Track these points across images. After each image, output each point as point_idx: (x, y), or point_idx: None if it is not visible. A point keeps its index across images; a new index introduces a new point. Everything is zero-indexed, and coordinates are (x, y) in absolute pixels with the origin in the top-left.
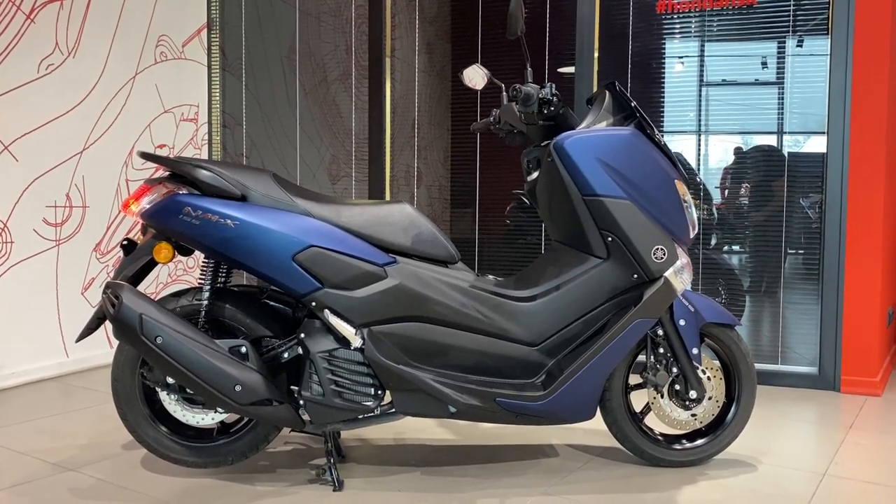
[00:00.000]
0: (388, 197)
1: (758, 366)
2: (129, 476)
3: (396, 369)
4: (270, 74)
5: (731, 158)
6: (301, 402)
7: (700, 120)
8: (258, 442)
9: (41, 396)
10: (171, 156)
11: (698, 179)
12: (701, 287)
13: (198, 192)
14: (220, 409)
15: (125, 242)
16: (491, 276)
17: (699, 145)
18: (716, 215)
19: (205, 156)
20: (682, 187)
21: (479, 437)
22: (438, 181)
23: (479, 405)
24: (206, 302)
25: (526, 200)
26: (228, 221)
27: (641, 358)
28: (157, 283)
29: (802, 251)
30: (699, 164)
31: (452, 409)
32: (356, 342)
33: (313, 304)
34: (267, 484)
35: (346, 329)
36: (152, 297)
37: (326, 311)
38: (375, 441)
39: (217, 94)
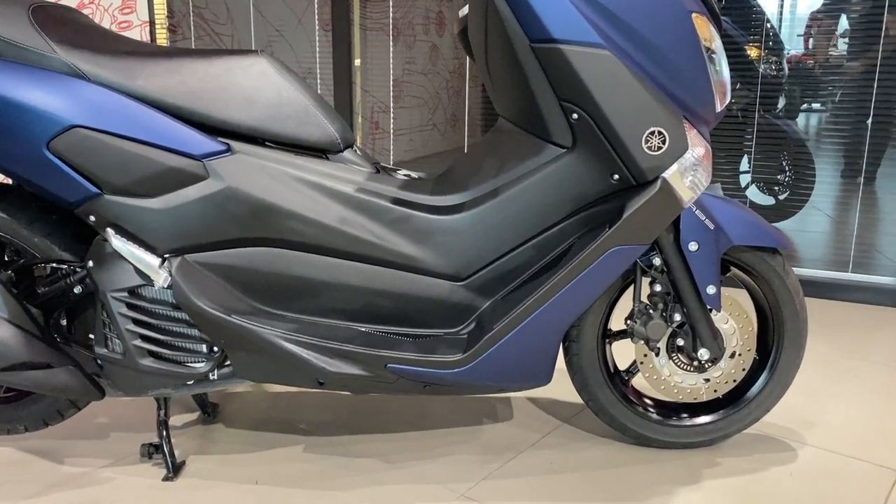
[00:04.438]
0: (356, 49)
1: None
2: None
3: (221, 320)
4: None
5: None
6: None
7: None
8: (63, 407)
9: None
10: None
11: (767, 24)
12: (754, 163)
13: None
14: None
15: None
16: (403, 172)
17: None
18: (786, 71)
19: None
20: (703, 26)
21: None
22: None
23: (359, 374)
24: None
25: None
26: None
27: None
28: None
29: None
30: (781, 6)
31: (320, 380)
32: (160, 278)
33: (91, 218)
34: (78, 463)
35: (142, 258)
36: None
37: (109, 230)
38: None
39: None
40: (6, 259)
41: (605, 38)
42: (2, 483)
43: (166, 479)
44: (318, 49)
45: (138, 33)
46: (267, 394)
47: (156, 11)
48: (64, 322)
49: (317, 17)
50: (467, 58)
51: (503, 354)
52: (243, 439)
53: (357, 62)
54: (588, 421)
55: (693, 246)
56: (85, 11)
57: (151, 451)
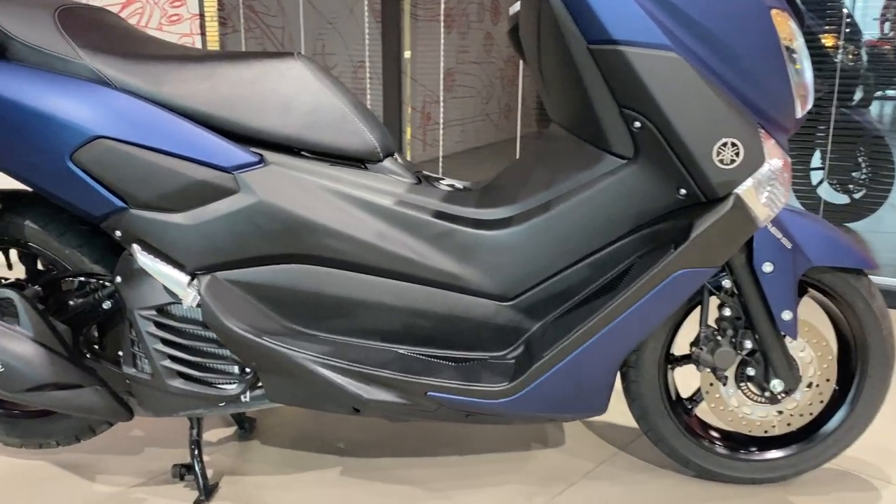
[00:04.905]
0: (406, 40)
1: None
2: None
3: (252, 342)
4: None
5: None
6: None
7: None
8: (95, 423)
9: None
10: None
11: (845, 10)
12: (830, 159)
13: None
14: None
15: None
16: (446, 182)
17: None
18: (864, 59)
19: None
20: (783, 23)
21: None
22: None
23: (397, 402)
24: None
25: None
26: None
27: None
28: None
29: None
30: None
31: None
32: (189, 297)
33: (117, 233)
34: (110, 481)
35: (169, 276)
36: None
37: (136, 246)
38: None
39: None
40: (38, 269)
41: (671, 39)
42: (32, 501)
43: (198, 502)
44: (367, 40)
45: (188, 26)
46: (301, 412)
47: (206, 4)
48: (95, 335)
49: (367, 6)
50: None
51: (555, 383)
52: (279, 459)
53: (407, 54)
54: (646, 448)
55: (767, 267)
56: (135, 6)
57: (183, 473)
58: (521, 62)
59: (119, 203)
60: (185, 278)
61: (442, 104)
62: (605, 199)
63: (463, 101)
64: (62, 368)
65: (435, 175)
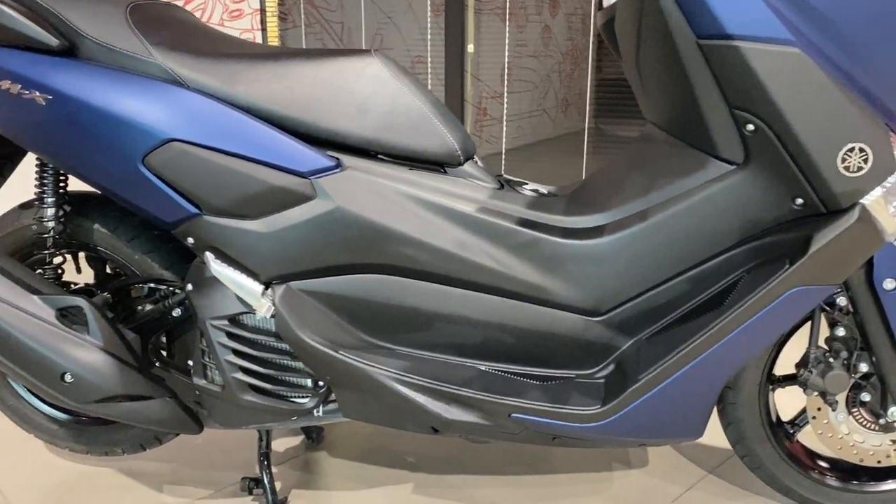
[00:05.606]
0: (470, 34)
1: None
2: None
3: (328, 356)
4: None
5: None
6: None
7: None
8: (161, 433)
9: None
10: None
11: None
12: None
13: None
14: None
15: None
16: (530, 187)
17: None
18: None
19: None
20: None
21: None
22: (583, 7)
23: (479, 423)
24: (51, 223)
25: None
26: (36, 94)
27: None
28: None
29: None
30: None
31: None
32: (262, 308)
33: (189, 240)
34: (176, 492)
35: (243, 285)
36: None
37: (209, 253)
38: None
39: None
40: (107, 273)
41: (794, 33)
42: None
43: None
44: (429, 35)
45: (249, 22)
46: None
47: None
48: (164, 342)
49: (428, 0)
50: (582, 37)
51: (652, 407)
52: (347, 472)
53: (470, 48)
54: (738, 472)
55: (889, 284)
56: (197, 1)
57: (252, 486)
58: (590, 55)
59: (192, 209)
60: (259, 288)
61: (506, 98)
62: (709, 209)
63: (520, 96)
64: (132, 379)
65: (517, 179)
